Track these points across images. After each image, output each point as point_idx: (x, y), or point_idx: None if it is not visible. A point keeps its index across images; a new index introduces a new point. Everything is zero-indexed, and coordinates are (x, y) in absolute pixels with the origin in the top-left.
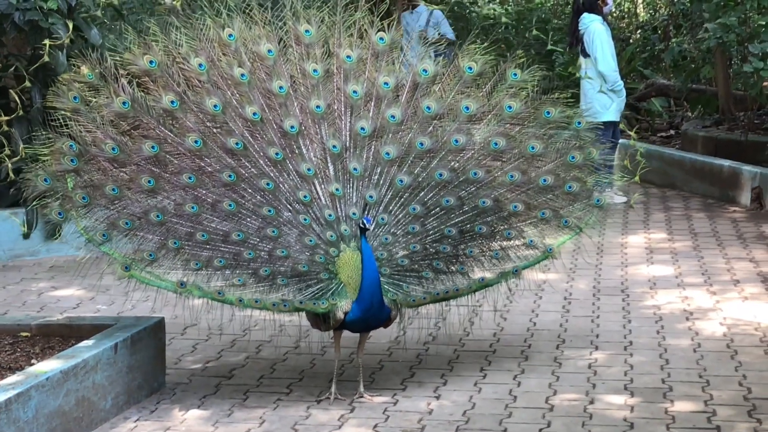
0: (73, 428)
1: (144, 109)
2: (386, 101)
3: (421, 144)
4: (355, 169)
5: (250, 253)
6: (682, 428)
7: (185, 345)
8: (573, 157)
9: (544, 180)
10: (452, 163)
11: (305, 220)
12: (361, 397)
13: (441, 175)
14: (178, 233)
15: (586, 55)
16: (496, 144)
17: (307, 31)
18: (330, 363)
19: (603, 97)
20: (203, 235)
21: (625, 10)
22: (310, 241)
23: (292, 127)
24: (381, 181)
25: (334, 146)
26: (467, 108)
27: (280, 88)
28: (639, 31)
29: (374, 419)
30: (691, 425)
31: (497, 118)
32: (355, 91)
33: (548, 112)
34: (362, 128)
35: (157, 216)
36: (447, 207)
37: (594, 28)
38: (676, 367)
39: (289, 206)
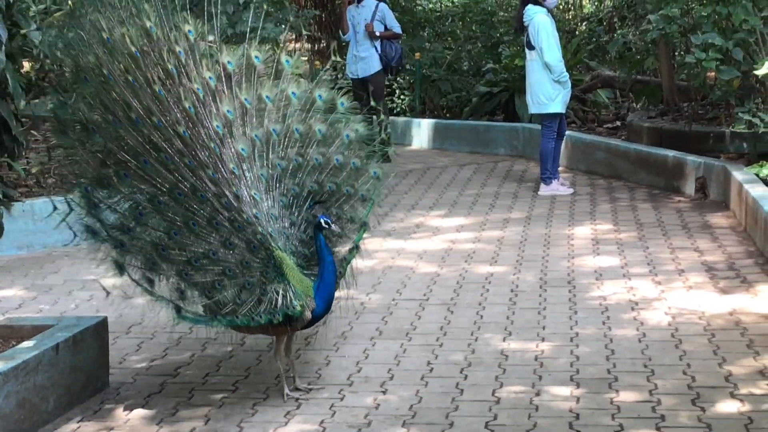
0: (14, 430)
1: None
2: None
3: (275, 130)
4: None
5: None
6: (627, 418)
7: (130, 344)
8: (348, 135)
9: (337, 159)
10: (287, 150)
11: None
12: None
13: (281, 164)
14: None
15: (531, 47)
16: (297, 130)
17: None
18: (274, 359)
19: (552, 88)
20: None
21: (571, 2)
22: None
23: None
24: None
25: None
26: (268, 97)
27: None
28: (584, 23)
29: (320, 415)
30: (635, 415)
31: (288, 106)
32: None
33: (320, 96)
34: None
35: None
36: (296, 193)
37: (538, 20)
38: (621, 358)
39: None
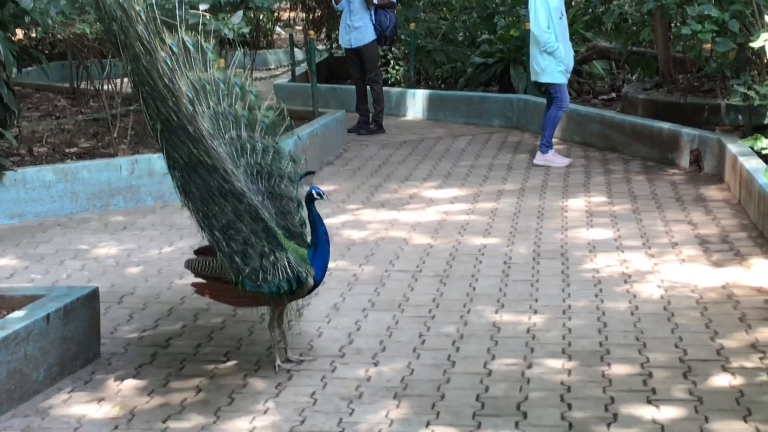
0: (4, 400)
1: None
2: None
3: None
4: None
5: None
6: (618, 391)
7: (121, 314)
8: (264, 121)
9: (262, 143)
10: (231, 131)
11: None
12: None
13: (232, 143)
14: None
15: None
16: (231, 113)
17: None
18: (266, 330)
19: (542, 59)
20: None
21: None
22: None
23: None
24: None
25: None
26: (205, 80)
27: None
28: None
29: (312, 387)
30: (627, 388)
31: (218, 90)
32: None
33: (237, 83)
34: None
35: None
36: (251, 172)
37: None
38: (613, 330)
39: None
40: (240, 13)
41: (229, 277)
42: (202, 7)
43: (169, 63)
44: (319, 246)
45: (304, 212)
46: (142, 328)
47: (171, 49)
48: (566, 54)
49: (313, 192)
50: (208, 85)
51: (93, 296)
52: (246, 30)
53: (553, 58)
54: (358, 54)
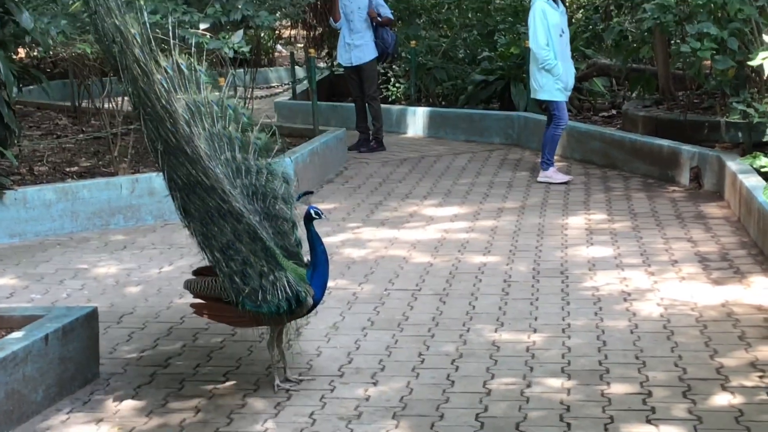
0: (3, 421)
1: None
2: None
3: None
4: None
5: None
6: (618, 410)
7: (121, 334)
8: (256, 143)
9: (256, 165)
10: (226, 153)
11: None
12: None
13: (228, 164)
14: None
15: None
16: (225, 134)
17: None
18: (266, 350)
19: (540, 76)
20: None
21: None
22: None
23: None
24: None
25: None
26: (199, 101)
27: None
28: (581, 10)
29: (311, 407)
30: (626, 407)
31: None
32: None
33: (230, 105)
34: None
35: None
36: (247, 193)
37: (535, 7)
38: (613, 349)
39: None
40: (240, 32)
41: (229, 298)
42: (203, 26)
43: (165, 85)
44: (318, 266)
45: (300, 232)
46: (142, 348)
47: (166, 71)
48: (565, 72)
49: (312, 211)
50: (203, 106)
51: (92, 316)
52: (246, 49)
53: (551, 75)
54: (358, 72)
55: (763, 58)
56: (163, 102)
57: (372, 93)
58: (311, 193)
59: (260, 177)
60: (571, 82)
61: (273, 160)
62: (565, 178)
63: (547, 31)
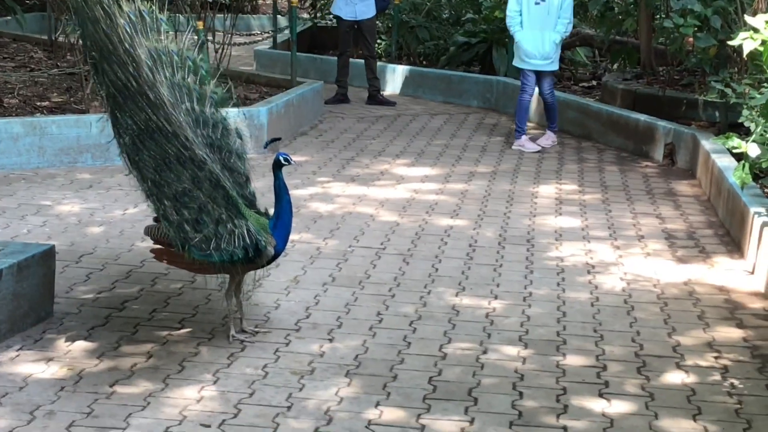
0: None
1: None
2: None
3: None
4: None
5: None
6: (571, 382)
7: (79, 273)
8: (213, 96)
9: (212, 117)
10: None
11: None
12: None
13: (189, 114)
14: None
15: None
16: (185, 85)
17: None
18: (224, 299)
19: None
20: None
21: None
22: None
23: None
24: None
25: None
26: (161, 50)
27: None
28: None
29: (264, 359)
30: (580, 379)
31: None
32: None
33: (189, 57)
34: None
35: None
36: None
37: None
38: (572, 321)
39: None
40: None
41: (175, 246)
42: None
43: (128, 29)
44: (282, 215)
45: (255, 187)
46: (99, 289)
47: (129, 16)
48: (532, 41)
49: (281, 158)
50: (164, 55)
51: (49, 254)
52: None
53: (516, 42)
54: (360, 27)
55: (744, 38)
56: (126, 45)
57: (373, 49)
58: (279, 139)
59: (216, 130)
60: (539, 53)
61: (227, 115)
62: (534, 147)
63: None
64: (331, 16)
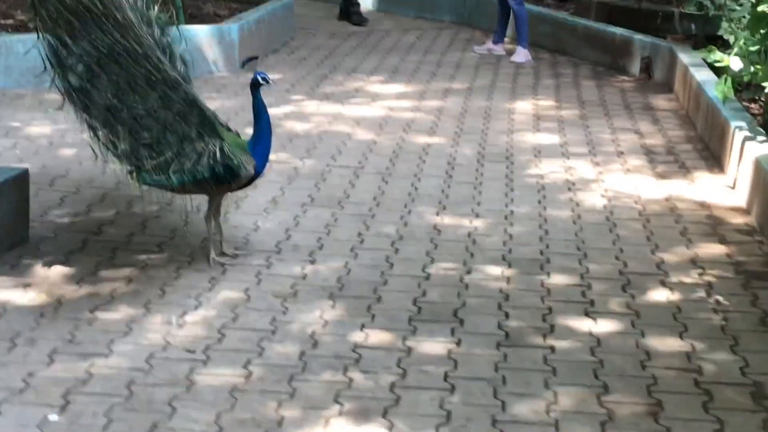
0: None
1: None
2: None
3: None
4: None
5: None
6: (556, 301)
7: (53, 197)
8: (158, 21)
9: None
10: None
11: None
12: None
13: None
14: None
15: None
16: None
17: None
18: (202, 221)
19: None
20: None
21: None
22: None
23: None
24: None
25: None
26: None
27: None
28: None
29: (245, 282)
30: (565, 298)
31: None
32: None
33: None
34: None
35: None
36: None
37: None
38: (554, 239)
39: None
40: None
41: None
42: None
43: None
44: (262, 135)
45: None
46: (74, 213)
47: None
48: None
49: (259, 78)
50: None
51: (22, 178)
52: None
53: None
54: None
55: None
56: None
57: None
58: (256, 58)
59: (164, 54)
60: None
61: (172, 39)
62: (521, 59)
63: None
64: None
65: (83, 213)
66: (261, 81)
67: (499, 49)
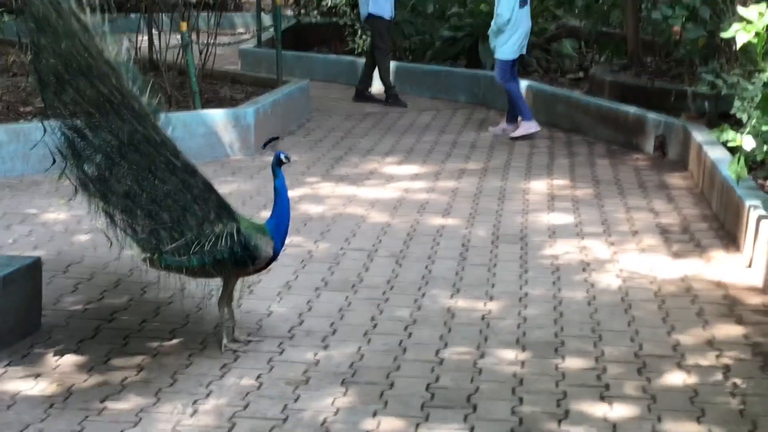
0: None
1: None
2: None
3: None
4: None
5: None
6: (571, 385)
7: (66, 284)
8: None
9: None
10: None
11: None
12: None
13: None
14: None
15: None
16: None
17: None
18: (215, 307)
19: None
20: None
21: None
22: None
23: None
24: None
25: None
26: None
27: None
28: None
29: (258, 369)
30: (580, 382)
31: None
32: None
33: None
34: None
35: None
36: None
37: None
38: (569, 321)
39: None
40: None
41: (145, 254)
42: None
43: (100, 40)
44: (282, 214)
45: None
46: (87, 300)
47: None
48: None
49: (281, 156)
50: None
51: (35, 267)
52: None
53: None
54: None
55: (736, 30)
56: (106, 57)
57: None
58: (277, 138)
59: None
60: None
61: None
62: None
63: None
64: (315, 13)
65: (96, 300)
66: (284, 159)
67: (512, 129)
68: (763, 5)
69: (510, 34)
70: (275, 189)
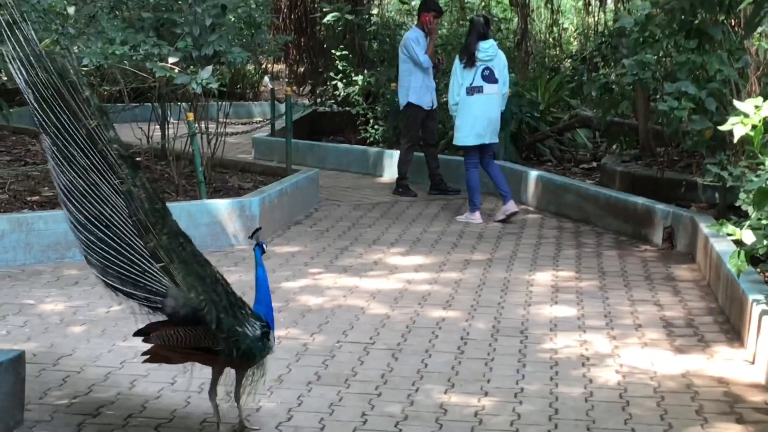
0: None
1: None
2: None
3: None
4: None
5: None
6: None
7: (55, 377)
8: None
9: None
10: None
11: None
12: None
13: None
14: None
15: (494, 81)
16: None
17: None
18: (205, 401)
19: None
20: None
21: (556, 38)
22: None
23: None
24: None
25: None
26: None
27: None
28: (569, 60)
29: None
30: None
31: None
32: None
33: None
34: None
35: None
36: None
37: (502, 54)
38: (564, 418)
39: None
40: (209, 68)
41: (220, 347)
42: (172, 59)
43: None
44: (269, 304)
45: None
46: (74, 394)
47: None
48: None
49: (263, 245)
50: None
51: (18, 361)
52: (215, 85)
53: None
54: (429, 114)
55: (733, 123)
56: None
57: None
58: (260, 229)
59: None
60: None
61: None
62: (478, 220)
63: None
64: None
65: (83, 394)
66: (264, 249)
67: (512, 207)
68: (759, 99)
69: (462, 120)
70: (258, 278)
